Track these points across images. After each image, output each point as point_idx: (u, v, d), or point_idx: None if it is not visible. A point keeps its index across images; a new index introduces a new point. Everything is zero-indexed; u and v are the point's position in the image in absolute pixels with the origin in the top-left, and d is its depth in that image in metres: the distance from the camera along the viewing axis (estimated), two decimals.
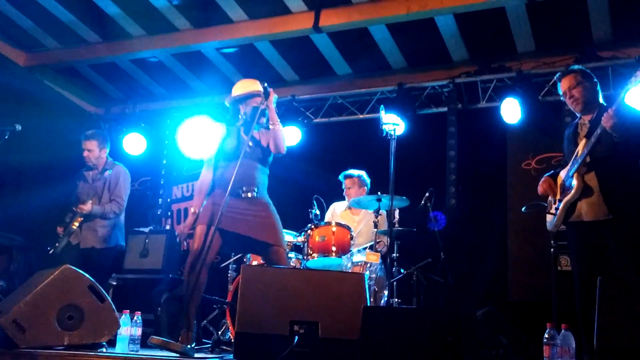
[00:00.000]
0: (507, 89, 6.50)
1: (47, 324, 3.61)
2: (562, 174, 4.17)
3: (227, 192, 4.05)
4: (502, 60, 6.79)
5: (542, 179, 4.32)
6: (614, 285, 3.11)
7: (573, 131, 4.17)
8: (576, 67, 4.23)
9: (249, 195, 4.33)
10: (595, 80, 4.13)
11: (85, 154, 5.65)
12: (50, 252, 5.35)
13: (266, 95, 4.29)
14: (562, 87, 4.15)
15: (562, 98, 4.22)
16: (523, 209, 4.53)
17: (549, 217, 4.22)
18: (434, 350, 3.00)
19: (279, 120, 4.38)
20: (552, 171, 4.36)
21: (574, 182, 3.94)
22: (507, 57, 6.73)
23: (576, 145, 4.07)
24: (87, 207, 5.37)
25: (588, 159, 3.91)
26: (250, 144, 4.38)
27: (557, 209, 4.10)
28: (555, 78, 4.27)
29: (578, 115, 4.18)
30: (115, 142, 7.38)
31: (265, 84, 4.32)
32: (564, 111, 6.25)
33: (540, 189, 4.29)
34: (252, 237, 4.27)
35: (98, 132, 5.94)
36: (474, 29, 6.40)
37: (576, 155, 4.02)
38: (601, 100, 4.11)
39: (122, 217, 5.71)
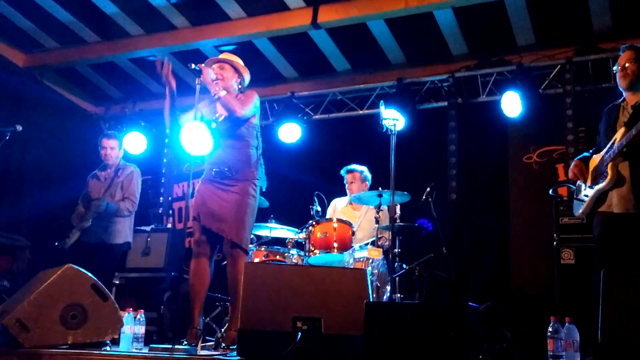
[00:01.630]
0: (507, 83, 6.48)
1: (51, 323, 3.62)
2: (596, 157, 4.03)
3: (201, 178, 4.02)
4: (502, 54, 6.77)
5: (574, 163, 4.17)
6: (617, 278, 3.10)
7: (615, 115, 4.02)
8: None
9: (220, 177, 4.25)
10: None
11: (107, 152, 5.70)
12: (59, 247, 5.36)
13: (197, 74, 4.23)
14: (620, 59, 4.00)
15: (614, 69, 4.06)
16: (550, 191, 4.44)
17: (576, 202, 4.11)
18: (437, 345, 3.00)
19: (220, 89, 4.27)
20: (584, 154, 4.22)
21: (609, 171, 3.82)
22: (507, 51, 6.71)
23: (614, 131, 3.92)
24: (102, 204, 5.40)
25: (625, 149, 3.78)
26: (216, 119, 4.35)
27: (586, 195, 3.99)
28: (621, 48, 4.08)
29: (622, 92, 4.04)
30: None
31: (192, 66, 4.23)
32: (565, 104, 6.24)
33: (570, 174, 4.14)
34: (213, 230, 4.20)
35: (116, 132, 6.14)
36: (473, 23, 6.39)
37: (613, 142, 3.88)
38: None
39: (133, 215, 5.74)
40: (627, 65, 3.94)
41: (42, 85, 7.71)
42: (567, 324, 3.43)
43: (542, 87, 6.52)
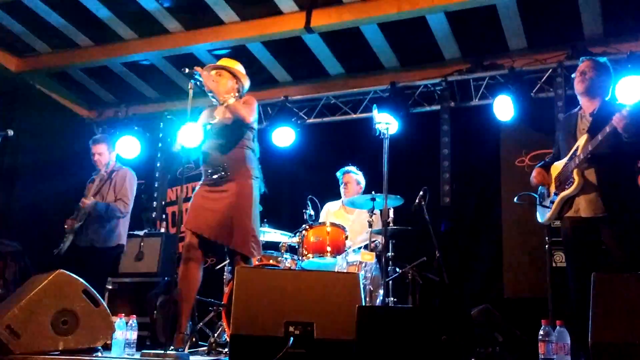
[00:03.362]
0: (499, 87, 6.51)
1: (42, 329, 3.59)
2: (558, 165, 4.13)
3: (199, 183, 4.02)
4: (494, 58, 6.80)
5: (535, 170, 4.29)
6: (607, 281, 3.12)
7: (573, 123, 4.13)
8: (603, 59, 4.20)
9: (216, 177, 4.25)
10: (612, 78, 4.13)
11: (96, 157, 5.66)
12: (56, 253, 5.34)
13: (190, 78, 4.23)
14: (579, 67, 4.12)
15: (573, 75, 4.18)
16: (515, 199, 4.52)
17: (540, 209, 4.22)
18: (430, 349, 3.00)
19: (230, 96, 4.28)
20: (544, 162, 4.34)
21: (575, 178, 3.91)
22: (499, 55, 6.75)
23: (575, 138, 4.04)
24: (89, 202, 5.36)
25: (590, 156, 3.88)
26: (210, 122, 4.36)
27: (552, 202, 4.09)
28: (580, 59, 4.22)
29: (578, 98, 4.14)
30: None
31: (186, 70, 4.24)
32: (556, 107, 6.27)
33: (535, 180, 4.25)
34: (217, 241, 4.22)
35: (106, 136, 6.04)
36: (465, 27, 6.41)
37: (576, 150, 3.98)
38: (608, 97, 4.08)
39: (128, 217, 5.69)
40: (585, 71, 4.06)
41: (35, 90, 7.70)
42: (558, 327, 3.45)
43: (534, 91, 6.54)
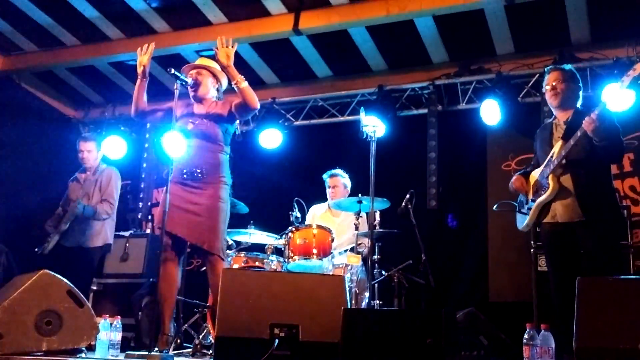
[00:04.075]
0: (486, 91, 6.54)
1: (25, 330, 3.56)
2: (535, 173, 4.19)
3: (169, 180, 3.96)
4: (482, 62, 6.84)
5: (514, 177, 4.34)
6: (592, 285, 3.14)
7: (548, 132, 4.21)
8: (568, 66, 4.27)
9: (191, 178, 4.21)
10: (580, 85, 4.20)
11: (85, 155, 5.64)
12: (39, 252, 5.29)
13: (180, 81, 4.21)
14: (547, 80, 4.18)
15: (543, 89, 4.26)
16: (495, 207, 4.56)
17: (519, 217, 4.26)
18: (414, 352, 3.00)
19: (242, 79, 4.24)
20: (524, 170, 4.39)
21: (550, 184, 3.97)
22: (487, 59, 6.78)
23: (551, 146, 4.10)
24: (79, 206, 5.33)
25: (564, 161, 3.95)
26: (192, 122, 4.33)
27: (529, 208, 4.13)
28: (545, 69, 4.28)
29: (553, 110, 4.22)
30: None
31: (172, 71, 4.17)
32: (542, 112, 6.30)
33: (513, 186, 4.30)
34: (190, 242, 4.20)
35: (94, 135, 6.08)
36: (453, 31, 6.44)
37: (551, 157, 4.05)
38: (579, 105, 4.16)
39: (114, 217, 5.67)
40: (555, 84, 4.11)
41: (21, 89, 7.64)
42: (542, 331, 3.45)
43: (520, 96, 6.58)
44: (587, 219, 3.85)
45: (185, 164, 4.25)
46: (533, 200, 4.12)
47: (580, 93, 4.19)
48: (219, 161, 4.31)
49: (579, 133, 3.83)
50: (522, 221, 4.22)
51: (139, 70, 4.33)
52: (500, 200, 4.54)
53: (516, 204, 4.32)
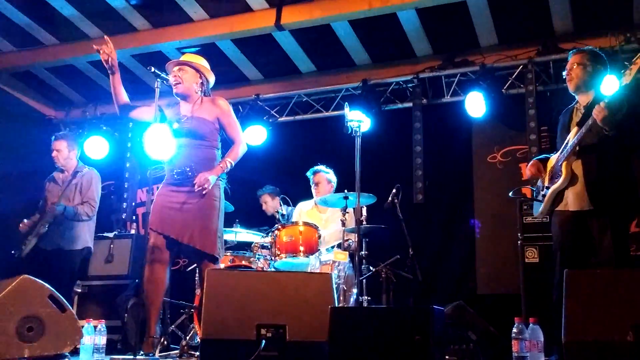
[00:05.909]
0: (471, 83, 6.52)
1: (6, 337, 3.49)
2: (553, 158, 4.12)
3: (162, 183, 3.95)
4: (465, 54, 6.80)
5: (531, 162, 4.26)
6: (580, 278, 3.12)
7: (568, 117, 4.12)
8: (591, 48, 4.16)
9: (182, 177, 4.16)
10: (603, 68, 4.03)
11: (54, 154, 5.54)
12: (16, 255, 5.20)
13: (161, 79, 4.21)
14: (568, 64, 4.08)
15: (563, 73, 4.14)
16: (510, 193, 4.50)
17: (535, 203, 4.19)
18: (403, 350, 2.97)
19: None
20: (543, 155, 4.30)
21: (563, 170, 3.90)
22: (470, 51, 6.75)
23: (568, 131, 4.03)
24: (59, 208, 5.24)
25: (577, 148, 3.88)
26: (177, 121, 4.29)
27: (543, 195, 4.07)
28: (569, 54, 4.16)
29: (574, 96, 4.12)
30: None
31: (152, 69, 4.20)
32: (527, 104, 6.30)
33: (528, 172, 4.24)
34: (185, 243, 4.15)
35: (69, 133, 5.96)
36: (436, 24, 6.41)
37: (567, 143, 3.97)
38: (601, 89, 3.99)
39: (94, 220, 5.57)
40: (571, 70, 4.04)
41: None
42: (531, 325, 3.44)
43: (505, 87, 6.56)
44: (596, 208, 3.79)
45: (175, 164, 4.22)
46: (548, 187, 4.04)
47: (602, 76, 4.01)
48: (209, 157, 4.27)
49: (590, 121, 3.75)
50: (538, 208, 4.15)
51: (106, 66, 4.27)
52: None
53: (533, 189, 4.25)
